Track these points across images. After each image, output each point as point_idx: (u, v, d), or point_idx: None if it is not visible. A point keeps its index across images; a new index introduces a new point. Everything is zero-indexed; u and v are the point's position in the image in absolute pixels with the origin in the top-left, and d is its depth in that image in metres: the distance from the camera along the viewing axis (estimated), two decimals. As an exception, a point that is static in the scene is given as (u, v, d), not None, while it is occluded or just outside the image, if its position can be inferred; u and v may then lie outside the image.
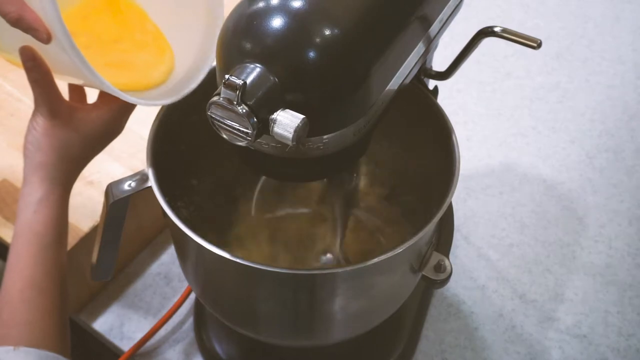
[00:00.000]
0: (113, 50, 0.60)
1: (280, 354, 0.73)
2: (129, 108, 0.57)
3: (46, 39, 0.48)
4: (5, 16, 0.47)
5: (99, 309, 0.76)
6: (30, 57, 0.52)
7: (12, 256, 0.55)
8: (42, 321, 0.54)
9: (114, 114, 0.57)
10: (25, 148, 0.56)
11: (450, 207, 0.73)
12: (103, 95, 0.57)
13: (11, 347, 0.51)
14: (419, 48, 0.53)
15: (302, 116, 0.42)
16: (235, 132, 0.43)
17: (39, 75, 0.53)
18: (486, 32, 0.57)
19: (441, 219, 0.52)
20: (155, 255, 0.82)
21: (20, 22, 0.47)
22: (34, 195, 0.55)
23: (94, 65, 0.49)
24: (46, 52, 0.51)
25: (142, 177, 0.55)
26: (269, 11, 0.43)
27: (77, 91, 0.60)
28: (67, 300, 0.57)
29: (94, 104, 0.58)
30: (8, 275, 0.54)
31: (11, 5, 0.47)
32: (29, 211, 0.55)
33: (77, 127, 0.55)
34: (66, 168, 0.56)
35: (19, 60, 0.53)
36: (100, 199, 0.59)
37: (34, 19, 0.47)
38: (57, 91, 0.54)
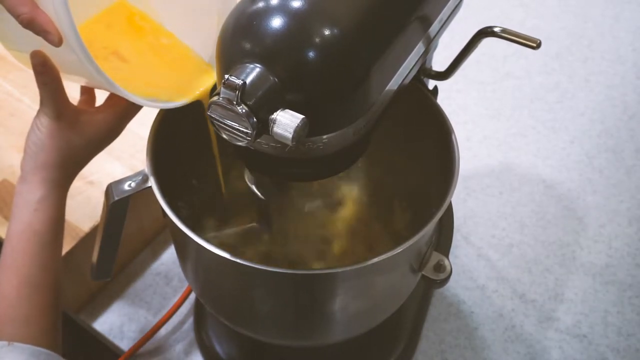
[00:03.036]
0: (160, 81, 0.59)
1: (280, 354, 0.73)
2: (132, 111, 0.58)
3: (57, 42, 0.48)
4: (17, 17, 0.47)
5: (99, 309, 0.76)
6: (41, 62, 0.52)
7: (8, 253, 0.55)
8: (38, 318, 0.54)
9: (118, 117, 0.57)
10: (27, 146, 0.56)
11: (450, 207, 0.73)
12: (110, 98, 0.58)
13: (5, 343, 0.51)
14: (419, 48, 0.53)
15: (302, 116, 0.42)
16: (235, 132, 0.43)
17: (48, 79, 0.53)
18: (486, 32, 0.57)
19: (441, 219, 0.52)
20: (155, 255, 0.82)
21: (32, 24, 0.47)
22: (34, 194, 0.55)
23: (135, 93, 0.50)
24: (55, 51, 0.51)
25: (142, 177, 0.55)
26: (268, 11, 0.43)
27: (87, 94, 0.61)
28: (61, 298, 0.57)
29: (98, 107, 0.58)
30: (3, 271, 0.54)
31: (24, 7, 0.47)
32: (29, 210, 0.55)
33: (81, 129, 0.56)
34: (67, 169, 0.56)
35: (28, 59, 0.53)
36: (100, 199, 0.59)
37: (46, 21, 0.47)
38: (64, 94, 0.55)
